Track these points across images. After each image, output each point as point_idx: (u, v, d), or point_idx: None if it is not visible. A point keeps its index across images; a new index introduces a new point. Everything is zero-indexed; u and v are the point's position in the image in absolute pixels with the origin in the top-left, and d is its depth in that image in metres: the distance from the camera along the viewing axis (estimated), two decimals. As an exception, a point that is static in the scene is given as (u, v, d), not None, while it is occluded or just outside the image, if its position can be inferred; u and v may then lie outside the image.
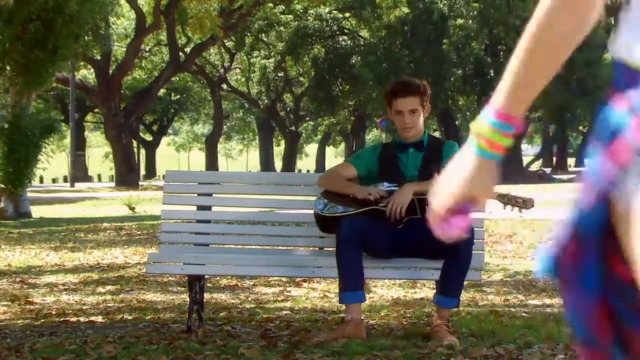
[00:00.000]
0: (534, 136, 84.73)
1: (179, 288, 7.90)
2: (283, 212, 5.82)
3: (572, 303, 1.33)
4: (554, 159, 70.51)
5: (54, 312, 6.60)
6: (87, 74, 49.60)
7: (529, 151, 78.01)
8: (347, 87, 51.04)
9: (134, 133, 52.83)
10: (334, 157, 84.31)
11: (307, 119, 60.45)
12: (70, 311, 6.66)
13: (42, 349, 4.81)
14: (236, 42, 51.06)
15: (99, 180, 66.76)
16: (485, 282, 7.84)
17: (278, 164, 68.79)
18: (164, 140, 76.16)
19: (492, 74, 47.38)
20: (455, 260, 4.89)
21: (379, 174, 5.18)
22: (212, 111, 61.91)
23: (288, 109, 57.93)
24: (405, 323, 5.72)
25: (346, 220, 4.97)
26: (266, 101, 54.98)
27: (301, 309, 6.52)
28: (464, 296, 6.49)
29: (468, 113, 56.02)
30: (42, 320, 6.25)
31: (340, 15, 51.53)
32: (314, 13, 49.70)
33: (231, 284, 8.14)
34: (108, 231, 14.86)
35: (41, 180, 53.66)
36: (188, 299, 5.44)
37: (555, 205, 20.78)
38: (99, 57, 40.69)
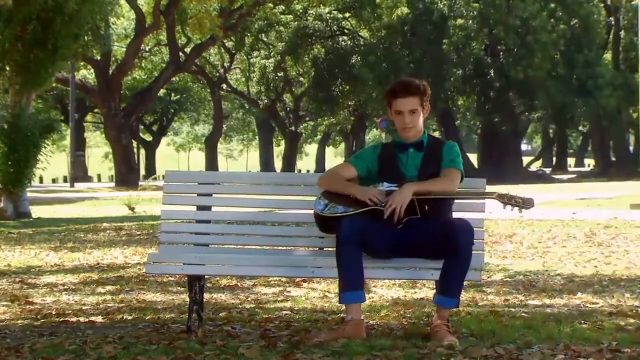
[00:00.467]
0: (534, 136, 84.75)
1: (178, 288, 7.90)
2: (283, 212, 5.81)
3: None
4: (554, 159, 70.53)
5: (53, 312, 6.60)
6: (87, 74, 49.60)
7: (529, 151, 78.00)
8: (347, 87, 51.04)
9: (133, 133, 52.84)
10: (334, 157, 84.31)
11: (307, 119, 60.45)
12: (70, 311, 6.66)
13: (41, 349, 4.81)
14: (236, 42, 51.05)
15: (99, 180, 66.79)
16: (485, 282, 7.84)
17: (278, 164, 68.80)
18: (164, 140, 76.16)
19: (492, 74, 47.37)
20: (455, 260, 4.89)
21: (378, 174, 5.18)
22: (212, 111, 61.92)
23: (288, 109, 57.93)
24: (405, 323, 5.71)
25: (346, 220, 4.97)
26: (266, 101, 54.98)
27: (301, 309, 6.52)
28: (464, 296, 6.48)
29: (468, 113, 56.04)
30: (42, 320, 6.25)
31: (340, 16, 51.53)
32: (314, 13, 49.70)
33: (231, 284, 8.14)
34: (108, 231, 14.86)
35: (41, 180, 53.67)
36: (188, 299, 5.44)
37: (555, 205, 20.79)
38: (98, 57, 40.70)
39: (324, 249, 5.39)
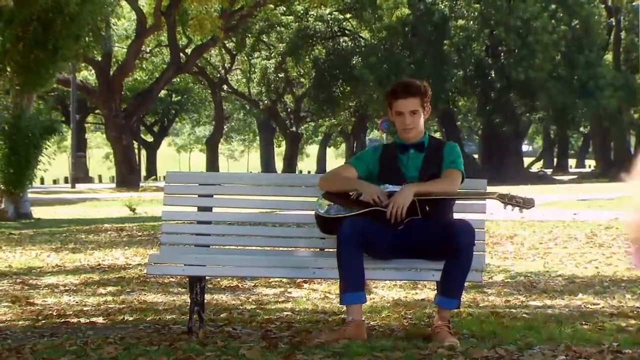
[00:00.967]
0: (535, 137, 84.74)
1: (179, 289, 7.90)
2: (284, 213, 5.81)
3: None
4: (555, 160, 70.49)
5: (54, 313, 6.60)
6: (87, 75, 49.62)
7: (530, 152, 78.00)
8: (348, 88, 51.03)
9: (134, 134, 52.85)
10: (335, 158, 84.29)
11: (308, 120, 60.44)
12: (71, 312, 6.66)
13: (42, 350, 4.81)
14: (237, 43, 51.06)
15: (100, 181, 66.75)
16: (486, 283, 7.84)
17: (279, 164, 68.80)
18: (165, 141, 76.18)
19: (493, 75, 47.37)
20: (456, 261, 4.89)
21: (379, 175, 5.18)
22: (212, 112, 61.92)
23: (289, 109, 57.92)
24: (406, 324, 5.72)
25: (347, 221, 4.97)
26: (267, 102, 54.98)
27: (302, 310, 6.52)
28: (465, 297, 6.49)
29: (469, 114, 56.04)
30: (43, 321, 6.25)
31: (341, 16, 51.53)
32: (315, 14, 49.68)
33: (232, 285, 8.14)
34: (109, 232, 14.86)
35: (42, 181, 53.66)
36: (189, 300, 5.44)
37: (556, 206, 20.79)
38: (99, 58, 40.71)
39: (325, 249, 5.39)
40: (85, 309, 6.88)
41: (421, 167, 5.15)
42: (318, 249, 5.51)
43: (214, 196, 5.58)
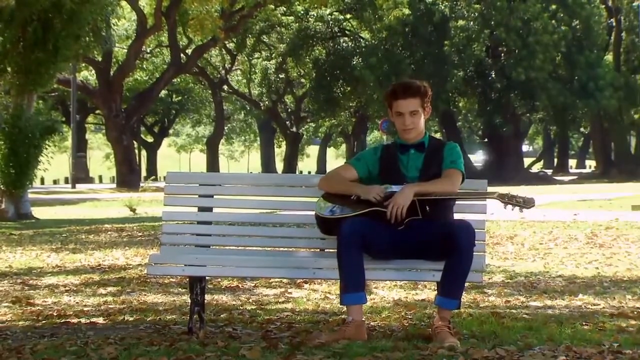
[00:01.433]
0: (535, 137, 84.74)
1: (180, 289, 7.90)
2: (284, 214, 5.81)
3: None
4: (555, 160, 70.50)
5: (55, 314, 6.60)
6: (88, 75, 49.62)
7: (530, 152, 77.96)
8: (348, 88, 51.04)
9: (135, 134, 52.86)
10: (335, 158, 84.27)
11: (308, 120, 60.45)
12: (71, 312, 6.66)
13: (43, 350, 4.81)
14: (237, 43, 51.06)
15: (100, 181, 66.76)
16: (486, 284, 7.84)
17: (279, 165, 68.81)
18: (165, 141, 76.16)
19: (493, 76, 47.38)
20: (456, 261, 4.89)
21: (379, 175, 5.18)
22: (213, 112, 61.92)
23: (289, 110, 57.93)
24: (407, 324, 5.72)
25: (347, 221, 4.97)
26: (267, 102, 54.98)
27: (302, 311, 6.52)
28: (465, 298, 6.49)
29: (469, 115, 56.04)
30: (43, 321, 6.25)
31: (342, 17, 51.52)
32: (315, 14, 49.67)
33: (232, 285, 8.14)
34: (109, 232, 14.86)
35: (42, 181, 53.70)
36: (189, 300, 5.44)
37: (557, 206, 20.79)
38: (100, 59, 40.72)
39: (325, 250, 5.39)
40: (85, 309, 6.88)
41: (421, 167, 5.15)
42: (318, 250, 5.51)
43: (215, 196, 5.58)
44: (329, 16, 50.30)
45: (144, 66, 52.38)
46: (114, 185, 44.82)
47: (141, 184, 40.94)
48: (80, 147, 54.57)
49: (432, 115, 18.92)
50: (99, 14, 23.22)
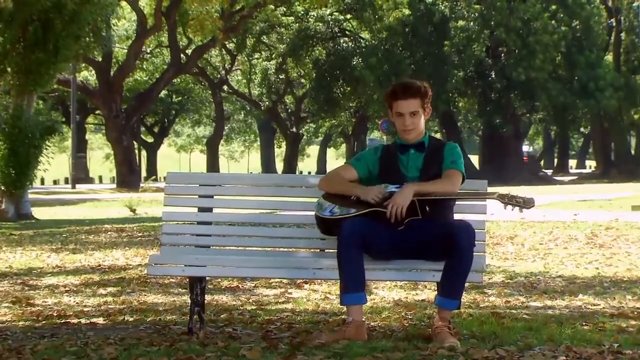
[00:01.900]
0: (535, 138, 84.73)
1: (180, 290, 7.90)
2: (284, 214, 5.81)
3: None
4: (555, 160, 70.49)
5: (55, 314, 6.60)
6: (88, 75, 49.62)
7: (530, 153, 77.92)
8: (348, 88, 51.04)
9: (135, 135, 52.85)
10: (335, 158, 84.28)
11: (308, 120, 60.46)
12: (71, 313, 6.66)
13: (43, 350, 4.81)
14: (237, 44, 51.06)
15: (100, 181, 66.73)
16: (487, 284, 7.84)
17: (279, 165, 68.79)
18: (165, 141, 76.15)
19: (493, 76, 47.37)
20: (457, 261, 4.89)
21: (379, 175, 5.18)
22: (213, 113, 61.93)
23: (289, 110, 57.93)
24: (407, 325, 5.72)
25: (347, 222, 4.97)
26: (267, 103, 54.98)
27: (302, 311, 6.52)
28: (465, 298, 6.49)
29: (469, 115, 56.03)
30: (43, 321, 6.25)
31: (342, 17, 51.51)
32: (315, 15, 49.67)
33: (232, 286, 8.14)
34: (109, 233, 14.86)
35: (42, 181, 53.69)
36: (189, 301, 5.44)
37: (557, 206, 20.79)
38: (100, 59, 40.71)
39: (325, 250, 5.39)
40: (85, 309, 6.88)
41: (421, 167, 5.15)
42: (318, 250, 5.51)
43: (215, 197, 5.58)
44: (329, 16, 50.29)
45: (144, 66, 52.37)
46: (114, 186, 44.81)
47: (141, 185, 40.94)
48: (80, 148, 54.55)
49: (432, 116, 18.88)
50: (99, 14, 23.20)
